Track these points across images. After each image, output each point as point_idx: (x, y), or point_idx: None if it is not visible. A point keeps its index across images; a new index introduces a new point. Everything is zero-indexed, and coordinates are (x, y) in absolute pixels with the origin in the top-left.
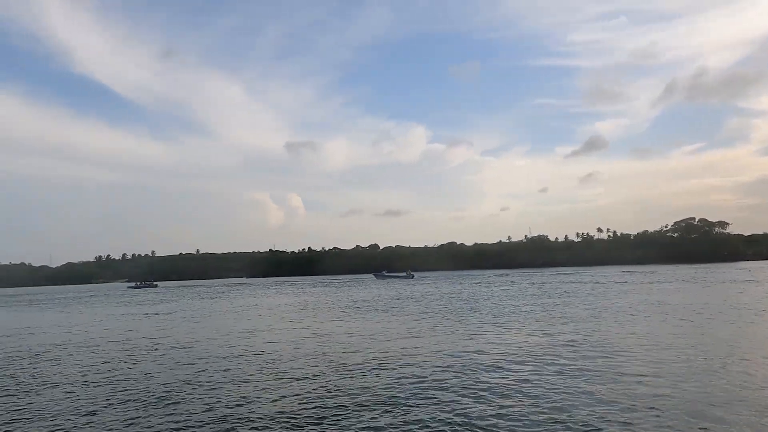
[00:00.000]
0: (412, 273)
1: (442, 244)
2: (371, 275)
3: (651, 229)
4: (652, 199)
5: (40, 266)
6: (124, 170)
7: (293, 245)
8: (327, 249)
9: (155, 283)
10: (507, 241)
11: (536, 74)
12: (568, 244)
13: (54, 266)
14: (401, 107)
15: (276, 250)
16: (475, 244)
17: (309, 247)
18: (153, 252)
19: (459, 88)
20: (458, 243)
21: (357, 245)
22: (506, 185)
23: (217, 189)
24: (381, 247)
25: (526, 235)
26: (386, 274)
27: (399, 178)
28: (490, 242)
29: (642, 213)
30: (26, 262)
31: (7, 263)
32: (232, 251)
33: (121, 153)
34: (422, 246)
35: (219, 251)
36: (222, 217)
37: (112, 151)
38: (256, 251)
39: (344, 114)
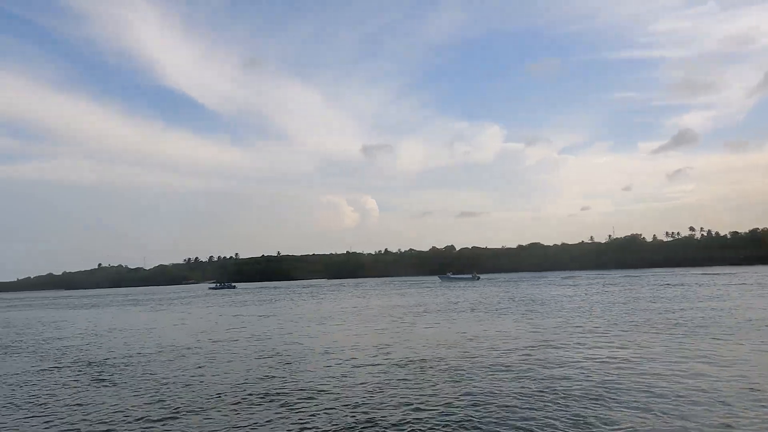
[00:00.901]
0: (477, 275)
1: (521, 245)
2: (436, 277)
3: (748, 228)
4: (749, 196)
5: (135, 268)
6: (209, 177)
7: (369, 247)
8: (402, 251)
9: (233, 285)
10: (589, 241)
11: (617, 67)
12: (658, 244)
13: (147, 268)
14: (475, 107)
15: (352, 252)
16: (555, 245)
17: (386, 249)
18: (237, 254)
19: (536, 85)
20: (538, 243)
21: (433, 246)
22: (587, 184)
23: (295, 193)
24: (457, 249)
25: (609, 235)
26: (451, 276)
27: (474, 179)
28: (570, 242)
29: (738, 210)
30: (123, 265)
31: (107, 265)
32: (311, 253)
33: (206, 160)
34: (500, 247)
35: (298, 253)
36: (300, 220)
37: (198, 159)
38: (334, 253)
39: (418, 115)
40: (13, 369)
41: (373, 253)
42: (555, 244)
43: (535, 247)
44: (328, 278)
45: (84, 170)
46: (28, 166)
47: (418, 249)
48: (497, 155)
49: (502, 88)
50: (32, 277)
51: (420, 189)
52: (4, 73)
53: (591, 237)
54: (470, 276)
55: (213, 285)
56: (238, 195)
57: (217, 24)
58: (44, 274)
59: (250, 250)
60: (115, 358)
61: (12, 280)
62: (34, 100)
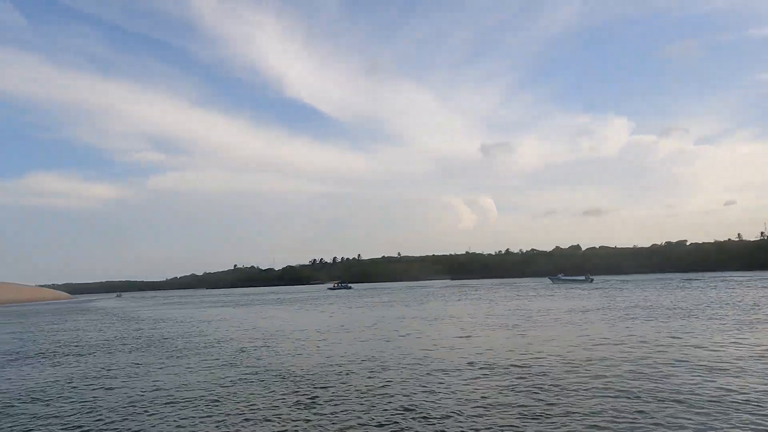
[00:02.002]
0: (591, 277)
1: (655, 244)
2: (546, 279)
3: None
4: None
5: (266, 269)
6: (331, 181)
7: (488, 247)
8: (524, 251)
9: (350, 285)
10: (736, 239)
11: (762, 45)
12: None
13: (277, 269)
14: (598, 99)
15: (472, 252)
16: (695, 244)
17: (507, 249)
18: (359, 255)
19: (669, 70)
20: (674, 242)
21: (556, 246)
22: (729, 176)
23: (412, 195)
24: (583, 248)
25: (762, 232)
26: (562, 277)
27: (599, 175)
28: (712, 241)
29: None
30: (255, 266)
31: (242, 266)
32: (430, 254)
33: (327, 166)
34: (632, 246)
35: (417, 254)
36: (418, 221)
37: (320, 165)
38: (453, 253)
39: (536, 112)
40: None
41: (493, 253)
42: (695, 243)
43: (671, 246)
44: (451, 278)
45: (219, 179)
46: (172, 177)
47: (540, 249)
48: (624, 149)
49: (628, 77)
50: (178, 277)
51: (541, 187)
52: (152, 94)
53: (738, 234)
54: (583, 278)
55: (332, 285)
56: (358, 198)
57: (334, 33)
58: (188, 274)
59: (371, 251)
60: (325, 366)
61: (162, 280)
62: (175, 117)
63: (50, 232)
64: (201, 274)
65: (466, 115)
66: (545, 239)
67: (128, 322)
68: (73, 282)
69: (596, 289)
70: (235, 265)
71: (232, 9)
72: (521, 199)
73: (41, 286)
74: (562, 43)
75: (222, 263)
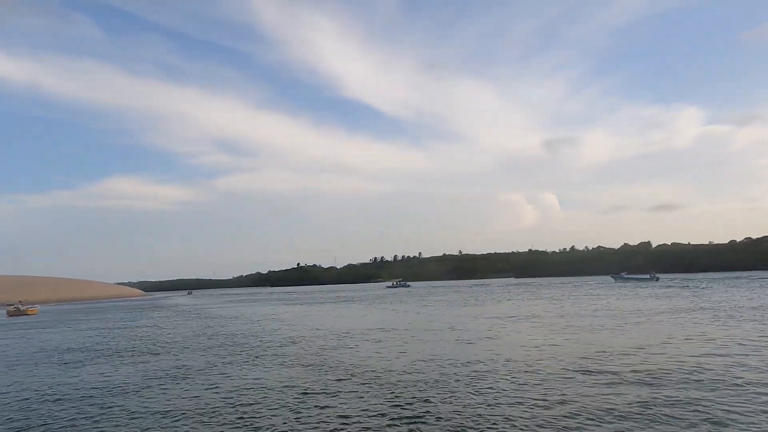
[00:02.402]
0: (656, 275)
1: (733, 240)
2: (609, 277)
3: None
4: None
5: (328, 267)
6: (391, 180)
7: (552, 245)
8: (590, 248)
9: (408, 283)
10: None
11: None
12: None
13: (338, 267)
14: (668, 89)
15: (535, 250)
16: None
17: (572, 246)
18: (420, 253)
19: (748, 56)
20: (755, 238)
21: (625, 243)
22: None
23: (473, 192)
24: (654, 245)
25: None
26: (625, 275)
27: (670, 168)
28: None
29: None
30: (318, 264)
31: (304, 265)
32: (492, 252)
33: (387, 165)
34: (707, 243)
35: (479, 252)
36: (479, 218)
37: (380, 164)
38: (516, 251)
39: (603, 104)
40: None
41: (557, 251)
42: None
43: (753, 242)
44: (515, 276)
45: (282, 180)
46: (238, 178)
47: (607, 246)
48: (697, 140)
49: (701, 65)
50: (244, 275)
51: (607, 182)
52: (218, 98)
53: None
54: (648, 276)
55: (390, 284)
56: (418, 196)
57: (392, 33)
58: (253, 273)
59: (432, 249)
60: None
61: (229, 278)
62: (240, 120)
63: (127, 233)
64: (265, 272)
65: (529, 109)
66: (612, 236)
67: (202, 319)
68: (148, 280)
69: (671, 288)
70: (299, 264)
71: (292, 13)
72: (586, 194)
73: (119, 284)
74: (629, 32)
75: (286, 262)
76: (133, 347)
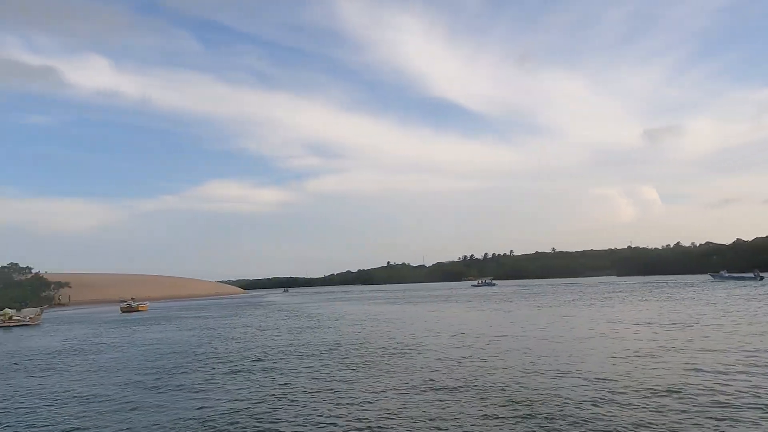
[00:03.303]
0: (760, 274)
1: None
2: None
3: None
4: None
5: (417, 266)
6: (480, 177)
7: (652, 241)
8: (698, 244)
9: (494, 282)
10: None
11: None
12: None
13: (427, 265)
14: None
15: (635, 247)
16: None
17: (677, 242)
18: (511, 251)
19: None
20: None
21: (737, 239)
22: None
23: (565, 187)
24: None
25: None
26: (725, 275)
27: None
28: None
29: None
30: (406, 263)
31: (394, 263)
32: (588, 248)
33: (475, 162)
34: None
35: (572, 249)
36: (572, 214)
37: (468, 161)
38: (613, 248)
39: (709, 89)
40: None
41: (660, 247)
42: None
43: None
44: (617, 275)
45: (371, 180)
46: (328, 180)
47: (717, 242)
48: None
49: None
50: (335, 274)
51: (714, 173)
52: (309, 102)
53: None
54: (752, 275)
55: (475, 282)
56: (508, 193)
57: (477, 28)
58: (343, 271)
59: (523, 246)
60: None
61: (320, 276)
62: (329, 123)
63: (225, 234)
64: (355, 270)
65: (624, 99)
66: (722, 231)
67: (303, 319)
68: (244, 278)
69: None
70: (388, 262)
71: (377, 16)
72: (691, 187)
73: (219, 281)
74: (734, 11)
75: (375, 260)
76: (245, 348)
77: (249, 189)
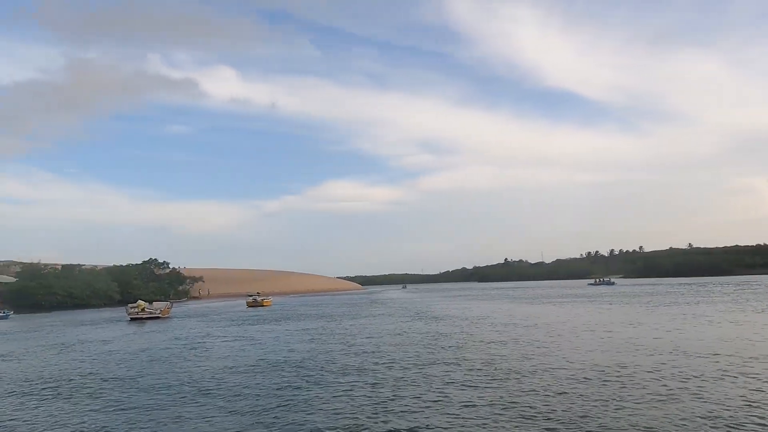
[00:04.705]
0: None
1: None
2: None
3: None
4: None
5: (536, 263)
6: (600, 169)
7: None
8: None
9: (613, 280)
10: None
11: None
12: None
13: (547, 262)
14: None
15: None
16: None
17: None
18: (641, 247)
19: None
20: None
21: None
22: None
23: (699, 178)
24: None
25: None
26: None
27: None
28: None
29: None
30: (524, 260)
31: (511, 260)
32: (731, 244)
33: (595, 153)
34: None
35: (712, 245)
36: (708, 207)
37: (586, 153)
38: (763, 243)
39: None
40: None
41: None
42: None
43: None
44: None
45: (485, 176)
46: (441, 177)
47: None
48: None
49: None
50: (450, 270)
51: None
52: (421, 100)
53: None
54: None
55: (592, 281)
56: (633, 184)
57: (595, 12)
58: (458, 268)
59: (654, 242)
60: None
61: (435, 273)
62: (441, 120)
63: (343, 232)
64: (471, 267)
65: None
66: None
67: (432, 321)
68: (362, 274)
69: None
70: (506, 259)
71: (489, 9)
72: None
73: (339, 278)
74: None
75: (490, 257)
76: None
77: (364, 188)
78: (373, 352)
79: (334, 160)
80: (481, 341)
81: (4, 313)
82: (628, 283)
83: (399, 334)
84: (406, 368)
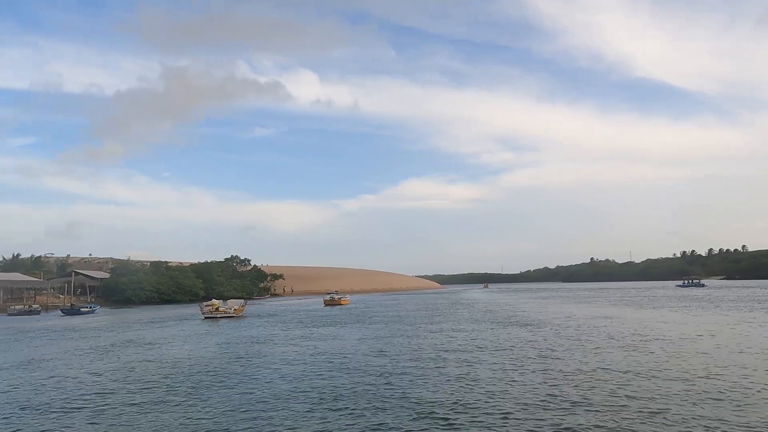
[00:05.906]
0: None
1: None
2: None
3: None
4: None
5: (624, 262)
6: (695, 163)
7: None
8: None
9: (702, 282)
10: None
11: None
12: None
13: (636, 262)
14: None
15: None
16: None
17: None
18: (744, 246)
19: None
20: None
21: None
22: None
23: None
24: None
25: None
26: None
27: None
28: None
29: None
30: (611, 259)
31: (597, 259)
32: None
33: (689, 147)
34: None
35: None
36: None
37: (679, 147)
38: None
39: None
40: None
41: None
42: None
43: None
44: None
45: (568, 172)
46: (522, 174)
47: None
48: None
49: None
50: (531, 270)
51: None
52: (500, 96)
53: None
54: None
55: (681, 282)
56: (733, 179)
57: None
58: (540, 267)
59: (760, 241)
60: None
61: (516, 272)
62: (520, 116)
63: (422, 230)
64: (553, 267)
65: None
66: None
67: (526, 329)
68: (441, 273)
69: None
70: (592, 258)
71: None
72: None
73: (417, 276)
74: None
75: (576, 256)
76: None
77: (442, 186)
78: (466, 377)
79: (412, 159)
80: (615, 367)
81: (90, 307)
82: (717, 285)
83: (499, 348)
84: (524, 406)
